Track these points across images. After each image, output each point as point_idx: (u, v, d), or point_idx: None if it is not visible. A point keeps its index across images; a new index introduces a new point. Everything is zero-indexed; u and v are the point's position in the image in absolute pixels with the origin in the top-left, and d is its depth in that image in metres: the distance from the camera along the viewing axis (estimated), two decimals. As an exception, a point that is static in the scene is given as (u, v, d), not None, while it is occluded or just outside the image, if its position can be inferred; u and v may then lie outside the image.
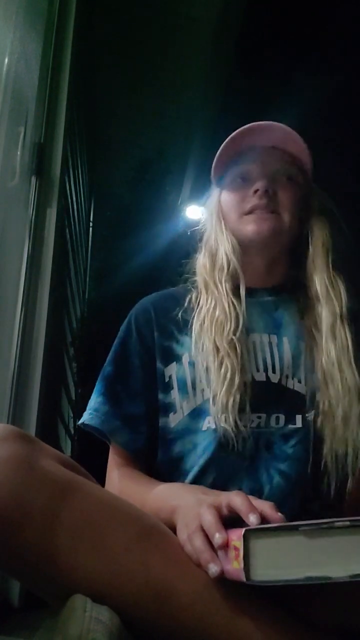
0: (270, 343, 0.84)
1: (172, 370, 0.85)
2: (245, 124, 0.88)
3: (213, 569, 0.53)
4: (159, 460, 0.85)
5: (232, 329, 0.80)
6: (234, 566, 0.49)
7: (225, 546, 0.53)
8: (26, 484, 0.54)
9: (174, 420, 0.83)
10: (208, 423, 0.80)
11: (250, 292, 0.87)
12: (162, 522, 0.63)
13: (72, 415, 2.29)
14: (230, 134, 0.86)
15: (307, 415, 0.80)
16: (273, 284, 0.91)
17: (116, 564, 0.55)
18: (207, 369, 0.81)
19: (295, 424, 0.80)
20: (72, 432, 2.24)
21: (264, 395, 0.80)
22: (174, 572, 0.56)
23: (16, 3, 1.47)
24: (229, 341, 0.80)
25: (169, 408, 0.84)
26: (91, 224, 3.30)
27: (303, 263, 0.87)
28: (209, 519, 0.57)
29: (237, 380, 0.77)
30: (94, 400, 0.86)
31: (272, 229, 0.84)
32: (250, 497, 0.59)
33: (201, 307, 0.85)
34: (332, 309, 0.81)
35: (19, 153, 1.38)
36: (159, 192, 2.47)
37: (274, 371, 0.82)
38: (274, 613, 0.56)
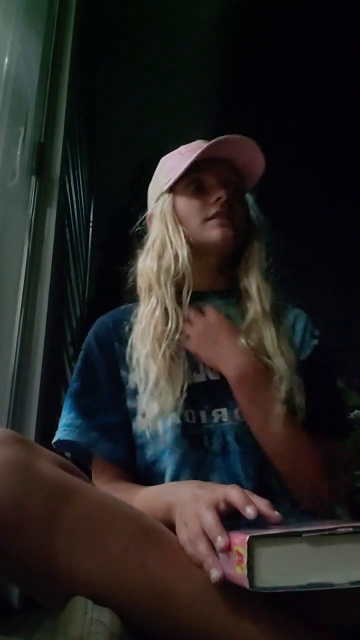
0: None
1: (136, 376, 0.86)
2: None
3: (215, 574, 0.53)
4: (137, 466, 0.85)
5: (172, 330, 0.83)
6: (237, 571, 0.49)
7: (228, 549, 0.53)
8: (24, 487, 0.54)
9: (142, 425, 0.84)
10: (170, 424, 0.82)
11: (199, 295, 0.89)
12: (159, 522, 0.63)
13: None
14: (229, 135, 0.87)
15: None
16: (220, 287, 0.94)
17: (115, 565, 0.55)
18: (147, 370, 0.83)
19: None
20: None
21: (220, 392, 0.83)
22: (174, 572, 0.56)
23: (16, 3, 1.47)
24: (167, 344, 0.82)
25: (136, 413, 0.85)
26: (91, 224, 3.30)
27: (241, 268, 0.92)
28: (210, 520, 0.57)
29: (174, 383, 0.81)
30: (65, 417, 0.86)
31: (230, 234, 0.88)
32: (247, 491, 0.60)
33: (142, 310, 0.88)
34: (261, 306, 0.86)
35: (18, 153, 1.38)
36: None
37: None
38: (273, 613, 0.56)
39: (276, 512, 0.57)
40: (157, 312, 0.85)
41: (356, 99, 2.71)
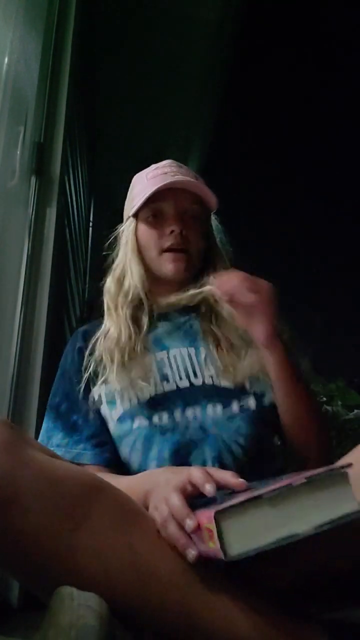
0: (189, 355, 0.95)
1: (102, 388, 0.94)
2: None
3: (190, 553, 0.56)
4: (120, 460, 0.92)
5: (127, 349, 0.93)
6: (210, 546, 0.52)
7: (198, 529, 0.55)
8: (14, 466, 0.57)
9: (112, 428, 0.92)
10: (139, 422, 0.89)
11: (164, 316, 1.00)
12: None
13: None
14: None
15: (241, 402, 0.91)
16: (180, 308, 1.00)
17: (104, 543, 0.57)
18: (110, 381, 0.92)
19: (232, 410, 0.90)
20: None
21: (191, 396, 0.91)
22: (157, 554, 0.59)
23: (16, 3, 1.47)
24: (122, 359, 0.92)
25: (108, 419, 0.93)
26: (91, 224, 3.30)
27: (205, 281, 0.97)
28: (176, 503, 0.60)
29: (133, 392, 0.90)
30: (55, 437, 0.92)
31: (185, 267, 0.97)
32: (211, 468, 0.65)
33: (102, 328, 0.98)
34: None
35: (18, 153, 1.38)
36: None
37: (195, 376, 0.93)
38: (251, 593, 0.59)
39: (240, 480, 0.61)
40: (117, 337, 0.94)
41: (356, 95, 2.71)
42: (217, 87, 2.98)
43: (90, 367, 0.94)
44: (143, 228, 1.00)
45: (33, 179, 1.42)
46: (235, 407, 0.90)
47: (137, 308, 0.98)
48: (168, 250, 0.97)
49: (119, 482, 0.76)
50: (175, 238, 0.96)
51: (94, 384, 0.94)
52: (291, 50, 2.73)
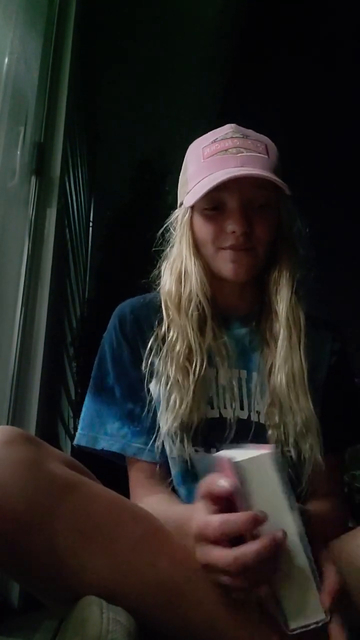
0: (239, 379, 0.82)
1: (152, 385, 0.83)
2: (245, 124, 0.86)
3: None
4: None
5: (197, 365, 0.78)
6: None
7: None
8: (36, 486, 0.55)
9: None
10: (178, 450, 0.79)
11: (224, 321, 0.85)
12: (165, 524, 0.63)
13: (71, 415, 2.29)
14: (245, 171, 0.78)
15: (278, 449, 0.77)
16: (245, 311, 0.88)
17: (125, 565, 0.56)
18: (168, 392, 0.79)
19: None
20: (72, 432, 2.24)
21: (236, 431, 0.79)
22: (182, 572, 0.57)
23: (16, 3, 1.47)
24: (189, 377, 0.78)
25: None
26: (91, 224, 3.30)
27: (268, 286, 0.85)
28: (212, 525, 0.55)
29: (191, 408, 0.77)
30: (110, 424, 0.83)
31: (248, 266, 0.80)
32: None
33: (167, 339, 0.82)
34: (289, 334, 0.81)
35: (18, 153, 1.38)
36: (158, 192, 2.48)
37: (242, 408, 0.81)
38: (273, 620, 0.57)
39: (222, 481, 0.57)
40: (180, 347, 0.79)
41: (356, 93, 2.71)
42: (217, 87, 2.98)
43: (149, 364, 0.81)
44: (200, 222, 0.82)
45: (33, 179, 1.42)
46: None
47: (200, 315, 0.82)
48: (227, 249, 0.80)
49: (173, 511, 0.71)
50: (237, 239, 0.78)
51: (151, 378, 0.82)
52: (294, 50, 2.73)
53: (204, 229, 0.82)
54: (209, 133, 0.86)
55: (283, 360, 0.79)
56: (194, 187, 0.81)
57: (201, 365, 0.78)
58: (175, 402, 0.77)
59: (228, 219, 0.79)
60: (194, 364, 0.78)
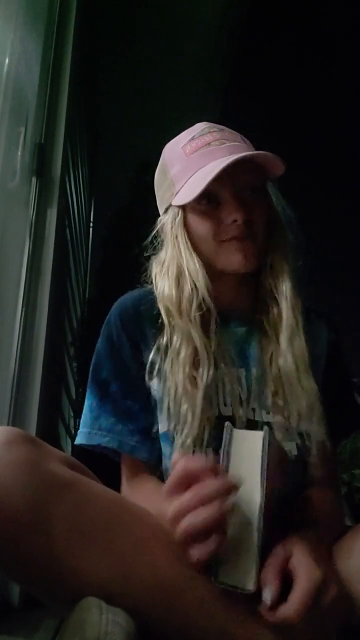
0: (238, 377, 0.81)
1: (154, 383, 0.82)
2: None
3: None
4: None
5: (205, 371, 0.77)
6: None
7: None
8: (35, 487, 0.55)
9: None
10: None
11: (222, 319, 0.82)
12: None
13: (72, 415, 2.29)
14: (241, 154, 0.77)
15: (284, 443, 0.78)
16: (242, 306, 0.87)
17: (125, 566, 0.56)
18: (174, 402, 0.77)
19: None
20: (73, 432, 2.24)
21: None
22: (182, 571, 0.58)
23: (16, 3, 1.47)
24: (196, 380, 0.76)
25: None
26: (91, 224, 3.30)
27: (265, 272, 0.84)
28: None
29: (200, 418, 0.75)
30: (105, 420, 0.81)
31: (254, 254, 0.79)
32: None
33: (169, 345, 0.80)
34: (293, 315, 0.80)
35: (19, 153, 1.38)
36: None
37: (241, 405, 0.79)
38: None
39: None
40: (185, 353, 0.77)
41: (356, 92, 2.71)
42: (219, 87, 2.98)
43: (149, 363, 0.80)
44: (195, 219, 0.81)
45: (34, 180, 1.42)
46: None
47: (203, 316, 0.80)
48: (231, 240, 0.79)
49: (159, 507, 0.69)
50: (239, 228, 0.77)
51: (151, 376, 0.81)
52: (294, 49, 2.73)
53: (202, 225, 0.80)
54: (181, 134, 0.86)
55: (288, 341, 0.79)
56: (185, 185, 0.80)
57: (209, 370, 0.77)
58: (186, 415, 0.75)
59: (225, 210, 0.78)
60: (201, 370, 0.77)
